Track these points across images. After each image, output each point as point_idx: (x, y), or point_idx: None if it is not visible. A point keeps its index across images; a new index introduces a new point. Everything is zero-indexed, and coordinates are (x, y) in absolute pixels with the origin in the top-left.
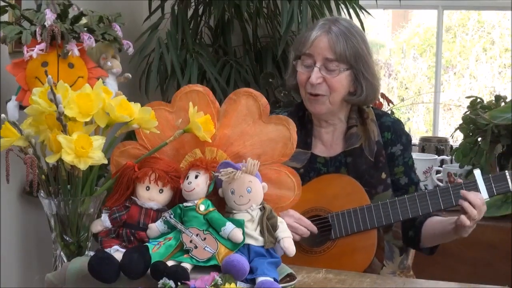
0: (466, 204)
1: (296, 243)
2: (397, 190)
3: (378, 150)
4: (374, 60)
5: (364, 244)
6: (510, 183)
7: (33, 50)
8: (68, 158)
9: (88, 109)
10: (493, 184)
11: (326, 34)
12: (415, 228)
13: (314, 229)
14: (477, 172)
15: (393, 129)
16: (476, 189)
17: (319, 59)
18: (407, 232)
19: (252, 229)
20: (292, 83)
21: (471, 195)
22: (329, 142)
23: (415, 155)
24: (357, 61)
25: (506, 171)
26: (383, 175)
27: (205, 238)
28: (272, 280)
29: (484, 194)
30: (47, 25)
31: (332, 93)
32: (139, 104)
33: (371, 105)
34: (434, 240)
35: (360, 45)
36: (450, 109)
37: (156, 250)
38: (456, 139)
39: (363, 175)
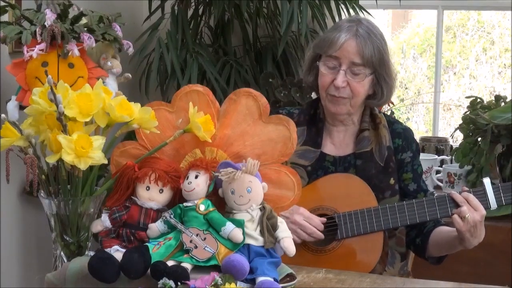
0: (459, 198)
1: (302, 241)
2: (406, 196)
3: (389, 155)
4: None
5: (370, 246)
6: None
7: (33, 50)
8: (68, 158)
9: (88, 109)
10: (502, 194)
11: (355, 38)
12: (423, 236)
13: (322, 229)
14: (486, 181)
15: (404, 136)
16: (485, 197)
17: (345, 63)
18: (414, 239)
19: (252, 229)
20: (309, 80)
21: (471, 195)
22: (339, 142)
23: None
24: (380, 65)
25: None
26: (392, 181)
27: (205, 238)
28: (272, 280)
29: (492, 203)
30: (47, 25)
31: (354, 97)
32: (139, 104)
33: (381, 112)
34: (440, 250)
35: (383, 47)
36: (450, 109)
37: (156, 250)
38: (456, 139)
39: (372, 179)
